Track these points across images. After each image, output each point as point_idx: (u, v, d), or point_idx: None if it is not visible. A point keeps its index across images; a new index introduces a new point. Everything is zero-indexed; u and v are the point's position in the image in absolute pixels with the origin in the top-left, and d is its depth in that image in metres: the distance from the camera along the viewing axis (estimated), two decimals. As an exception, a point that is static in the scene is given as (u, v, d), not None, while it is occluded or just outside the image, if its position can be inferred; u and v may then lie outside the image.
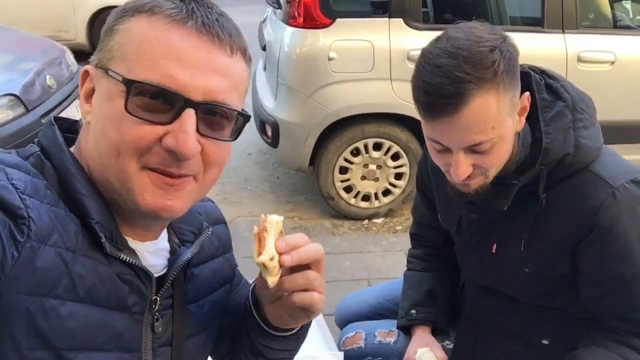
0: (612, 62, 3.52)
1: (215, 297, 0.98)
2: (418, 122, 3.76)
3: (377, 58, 3.32)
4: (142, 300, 0.81)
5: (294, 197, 4.08)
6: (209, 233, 0.93)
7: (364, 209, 3.74)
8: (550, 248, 1.24)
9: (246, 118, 0.79)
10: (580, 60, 3.47)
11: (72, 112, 3.66)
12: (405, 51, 3.31)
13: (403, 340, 1.57)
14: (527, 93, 1.16)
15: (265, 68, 3.90)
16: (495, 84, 1.05)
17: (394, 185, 3.69)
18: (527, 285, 1.32)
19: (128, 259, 0.77)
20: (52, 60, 3.77)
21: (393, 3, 3.33)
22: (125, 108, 0.71)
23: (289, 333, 0.95)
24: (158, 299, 0.83)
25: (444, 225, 1.49)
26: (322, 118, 3.40)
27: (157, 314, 0.83)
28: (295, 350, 1.01)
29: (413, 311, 1.55)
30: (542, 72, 1.26)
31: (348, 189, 3.68)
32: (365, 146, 3.54)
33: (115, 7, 0.80)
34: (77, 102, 3.74)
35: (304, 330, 0.98)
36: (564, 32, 3.47)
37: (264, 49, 3.93)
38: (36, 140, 0.82)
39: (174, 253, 0.88)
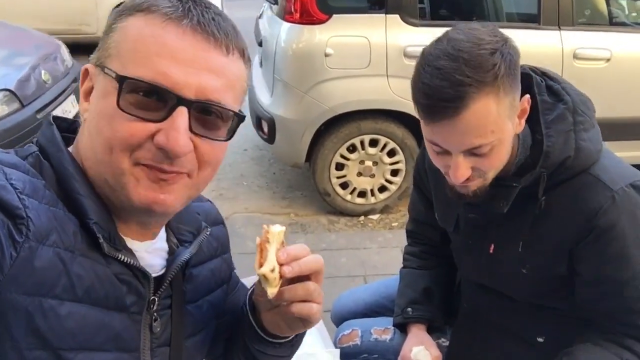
0: (608, 59, 3.53)
1: (213, 297, 0.98)
2: (414, 118, 3.75)
3: (374, 54, 3.31)
4: (140, 300, 0.81)
5: (290, 193, 4.09)
6: (208, 233, 0.93)
7: (360, 205, 3.75)
8: (549, 249, 1.25)
9: (240, 118, 0.79)
10: (576, 57, 3.47)
11: (68, 107, 3.65)
12: (402, 47, 3.31)
13: (399, 338, 1.58)
14: (528, 95, 1.16)
15: (261, 64, 3.90)
16: (496, 87, 1.05)
17: (390, 182, 3.69)
18: (524, 285, 1.32)
19: (126, 259, 0.77)
20: (47, 55, 3.76)
21: (390, -1, 3.33)
22: (117, 104, 0.71)
23: (284, 340, 0.95)
24: (156, 299, 0.83)
25: (441, 223, 1.49)
26: (319, 114, 3.40)
27: (155, 314, 0.83)
28: (289, 356, 1.01)
29: (409, 309, 1.55)
30: (543, 74, 1.26)
31: (344, 185, 3.68)
32: (362, 142, 3.54)
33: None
34: (72, 97, 3.73)
35: (299, 338, 0.98)
36: (560, 29, 3.47)
37: (260, 44, 3.93)
38: (35, 139, 0.82)
39: (172, 253, 0.88)
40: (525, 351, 1.41)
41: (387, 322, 1.64)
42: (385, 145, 3.56)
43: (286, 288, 0.81)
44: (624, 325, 1.24)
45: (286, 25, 3.38)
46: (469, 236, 1.39)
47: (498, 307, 1.42)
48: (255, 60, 4.15)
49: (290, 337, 0.95)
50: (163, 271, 0.86)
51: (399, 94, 3.35)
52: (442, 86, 1.04)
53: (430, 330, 1.56)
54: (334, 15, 3.30)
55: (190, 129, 0.73)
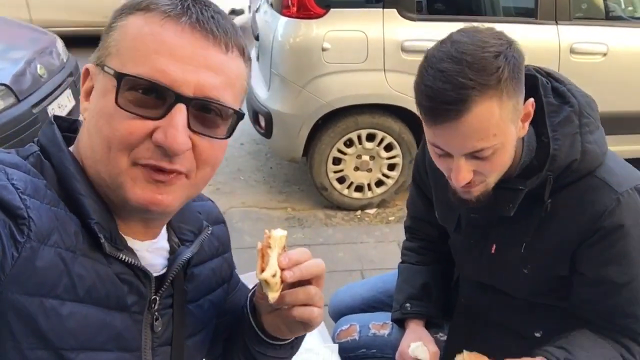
0: (605, 54, 3.54)
1: (214, 296, 0.98)
2: (411, 113, 3.76)
3: (371, 49, 3.31)
4: (141, 300, 0.81)
5: (287, 187, 4.09)
6: (209, 232, 0.93)
7: (357, 199, 3.76)
8: (552, 250, 1.25)
9: (240, 116, 0.79)
10: (572, 51, 3.48)
11: (64, 101, 3.63)
12: (399, 42, 3.31)
13: (397, 333, 1.59)
14: (532, 99, 1.15)
15: (258, 58, 3.88)
16: (499, 91, 1.04)
17: (387, 176, 3.70)
18: (524, 284, 1.33)
19: (127, 259, 0.77)
20: (42, 49, 3.73)
21: (387, -7, 3.33)
22: (116, 102, 0.71)
23: (284, 342, 0.95)
24: (157, 298, 0.83)
25: (442, 222, 1.49)
26: (316, 109, 3.40)
27: (156, 313, 0.84)
28: (289, 358, 1.02)
29: (407, 305, 1.56)
30: (548, 75, 1.25)
31: (341, 180, 3.69)
32: (359, 137, 3.55)
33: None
34: (68, 91, 3.71)
35: (298, 340, 0.99)
36: (557, 23, 3.48)
37: (257, 38, 3.91)
38: (36, 139, 0.82)
39: (173, 252, 0.88)
40: (522, 346, 1.42)
41: (385, 317, 1.65)
42: (382, 140, 3.56)
43: (287, 292, 0.81)
44: (621, 326, 1.25)
45: (283, 19, 3.37)
46: (471, 236, 1.39)
47: (496, 303, 1.43)
48: (252, 55, 4.14)
49: (290, 339, 0.96)
50: (164, 270, 0.86)
51: (396, 89, 3.35)
52: (445, 89, 1.03)
53: (428, 326, 1.57)
54: (332, 10, 3.30)
55: (189, 127, 0.73)
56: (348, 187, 3.72)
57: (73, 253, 0.72)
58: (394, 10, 3.32)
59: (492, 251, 1.33)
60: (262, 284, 0.79)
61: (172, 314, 0.87)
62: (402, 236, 1.76)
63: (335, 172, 3.64)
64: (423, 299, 1.56)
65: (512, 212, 1.22)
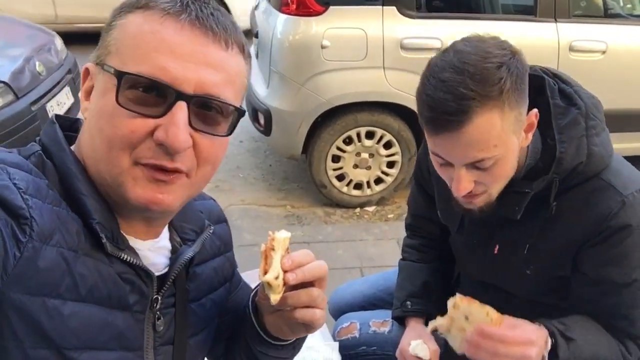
0: (604, 52, 3.54)
1: (216, 295, 0.98)
2: (410, 110, 3.75)
3: (371, 46, 3.31)
4: (143, 299, 0.81)
5: (286, 185, 4.09)
6: (211, 232, 0.93)
7: (356, 197, 3.76)
8: (555, 252, 1.25)
9: (241, 113, 0.79)
10: (572, 49, 3.48)
11: (63, 99, 3.62)
12: (399, 40, 3.31)
13: (397, 330, 1.59)
14: (535, 110, 1.14)
15: (257, 55, 3.88)
16: (501, 102, 1.03)
17: (386, 174, 3.70)
18: (526, 284, 1.33)
19: (129, 258, 0.78)
20: (41, 47, 3.72)
21: (386, -10, 3.32)
22: (117, 100, 0.71)
23: (286, 342, 0.96)
24: (159, 297, 0.83)
25: (444, 221, 1.49)
26: (315, 106, 3.40)
27: (158, 312, 0.84)
28: (290, 358, 1.02)
29: (408, 303, 1.56)
30: (555, 76, 1.25)
31: (340, 177, 3.69)
32: (358, 135, 3.55)
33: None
34: (67, 88, 3.70)
35: (300, 340, 0.99)
36: (556, 21, 3.48)
37: (256, 35, 3.91)
38: (37, 138, 0.82)
39: (175, 252, 0.89)
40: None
41: (386, 314, 1.65)
42: (381, 138, 3.56)
43: (290, 294, 0.81)
44: (617, 327, 1.25)
45: (283, 16, 3.37)
46: (473, 235, 1.39)
47: (497, 302, 1.42)
48: (251, 52, 4.14)
49: (292, 340, 0.96)
50: (166, 270, 0.86)
51: (395, 86, 3.35)
52: (446, 99, 1.03)
53: (428, 324, 1.57)
54: (331, 7, 3.29)
55: (190, 124, 0.73)
56: (347, 185, 3.72)
57: (75, 253, 0.72)
58: (394, 8, 3.32)
59: (495, 251, 1.33)
60: (265, 286, 0.80)
61: (174, 313, 0.88)
62: (401, 234, 1.76)
63: (334, 169, 3.64)
64: (424, 297, 1.56)
65: (518, 215, 1.21)
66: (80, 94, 0.80)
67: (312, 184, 3.76)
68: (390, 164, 3.67)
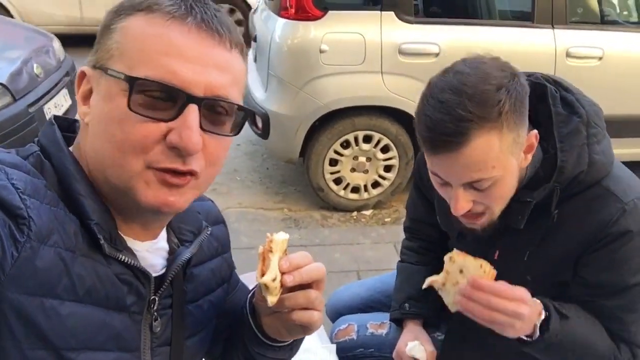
0: (600, 58, 3.56)
1: (213, 297, 0.98)
2: (408, 115, 3.75)
3: (369, 51, 3.32)
4: (141, 300, 0.81)
5: (284, 188, 4.09)
6: (208, 233, 0.94)
7: (353, 200, 3.77)
8: (556, 258, 1.25)
9: (248, 112, 0.80)
10: (569, 55, 3.50)
11: (60, 101, 3.62)
12: (397, 44, 3.32)
13: (395, 332, 1.59)
14: (535, 131, 1.15)
15: (255, 59, 3.89)
16: (499, 124, 1.04)
17: (383, 178, 3.71)
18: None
19: (126, 259, 0.78)
20: (39, 49, 3.72)
21: (385, -5, 3.33)
22: (128, 106, 0.71)
23: (283, 344, 0.96)
24: (157, 299, 0.83)
25: (444, 228, 1.49)
26: (313, 110, 3.40)
27: (155, 313, 0.84)
28: (288, 359, 1.02)
29: (406, 305, 1.56)
30: (556, 83, 1.25)
31: (338, 181, 3.69)
32: (356, 138, 3.55)
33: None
34: (64, 90, 3.70)
35: (298, 342, 0.99)
36: (553, 27, 3.49)
37: (254, 40, 3.91)
38: (36, 139, 0.82)
39: (173, 253, 0.89)
40: (517, 345, 1.43)
41: (383, 317, 1.65)
42: (379, 142, 3.57)
43: (287, 296, 0.82)
44: (612, 330, 1.26)
45: (281, 21, 3.38)
46: (474, 243, 1.38)
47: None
48: (250, 56, 4.15)
49: (290, 341, 0.96)
50: (164, 271, 0.86)
51: (393, 91, 3.36)
52: (444, 120, 1.03)
53: (425, 325, 1.58)
54: (329, 12, 3.30)
55: (200, 126, 0.73)
56: (344, 188, 3.72)
57: (73, 253, 0.72)
58: (392, 13, 3.33)
59: (495, 257, 1.34)
60: (262, 288, 0.80)
61: (171, 314, 0.88)
62: (398, 237, 1.76)
63: (331, 173, 3.64)
64: (422, 300, 1.57)
65: (522, 224, 1.21)
66: (77, 98, 0.80)
67: (310, 188, 3.76)
68: (388, 168, 3.68)
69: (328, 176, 3.64)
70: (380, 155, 3.62)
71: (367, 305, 1.77)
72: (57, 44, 3.99)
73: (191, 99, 0.72)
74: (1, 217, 0.66)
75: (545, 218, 1.22)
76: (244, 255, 1.77)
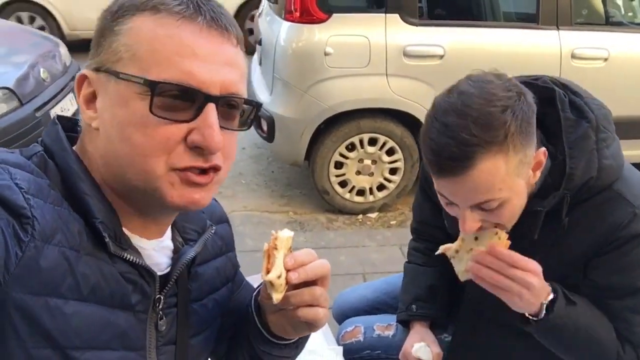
0: (606, 59, 3.54)
1: (218, 295, 0.98)
2: (413, 117, 3.75)
3: (373, 53, 3.32)
4: (146, 299, 0.81)
5: (289, 191, 4.09)
6: (213, 232, 0.93)
7: (359, 203, 3.76)
8: (566, 262, 1.24)
9: (260, 106, 0.81)
10: (574, 56, 3.49)
11: (67, 105, 3.65)
12: (401, 47, 3.32)
13: (401, 334, 1.58)
14: (543, 148, 1.13)
15: (260, 62, 3.90)
16: (505, 146, 1.02)
17: (389, 180, 3.70)
18: None
19: (132, 258, 0.77)
20: (46, 53, 3.75)
21: (389, -2, 3.34)
22: (150, 110, 0.71)
23: (289, 342, 0.95)
24: (162, 297, 0.83)
25: (450, 231, 1.48)
26: (318, 113, 3.41)
27: (160, 312, 0.84)
28: (293, 357, 1.02)
29: (414, 306, 1.56)
30: (565, 86, 1.23)
31: (343, 184, 3.69)
32: (361, 141, 3.55)
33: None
34: (71, 95, 3.72)
35: (303, 340, 0.99)
36: (558, 28, 3.48)
37: (259, 43, 3.92)
38: (39, 139, 0.82)
39: (177, 252, 0.88)
40: (525, 343, 1.42)
41: (390, 318, 1.65)
42: (384, 144, 3.57)
43: (292, 293, 0.81)
44: (617, 329, 1.25)
45: (286, 24, 3.39)
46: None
47: (503, 304, 1.43)
48: (254, 59, 4.16)
49: (295, 339, 0.96)
50: (168, 269, 0.86)
51: (398, 93, 3.36)
52: (449, 144, 1.02)
53: (432, 327, 1.57)
54: (334, 15, 3.31)
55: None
56: (350, 191, 3.71)
57: (77, 252, 0.72)
58: (396, 15, 3.34)
59: None
60: (267, 285, 0.80)
61: (176, 313, 0.87)
62: (403, 240, 1.76)
63: (337, 176, 3.64)
64: (429, 301, 1.56)
65: (535, 234, 1.20)
66: (79, 102, 0.79)
67: (315, 191, 3.76)
68: (393, 171, 3.67)
69: (333, 179, 3.64)
70: (386, 158, 3.61)
71: (374, 307, 1.77)
72: (63, 49, 4.02)
73: (209, 98, 0.72)
74: (5, 216, 0.66)
75: (556, 224, 1.20)
76: (249, 258, 1.76)
